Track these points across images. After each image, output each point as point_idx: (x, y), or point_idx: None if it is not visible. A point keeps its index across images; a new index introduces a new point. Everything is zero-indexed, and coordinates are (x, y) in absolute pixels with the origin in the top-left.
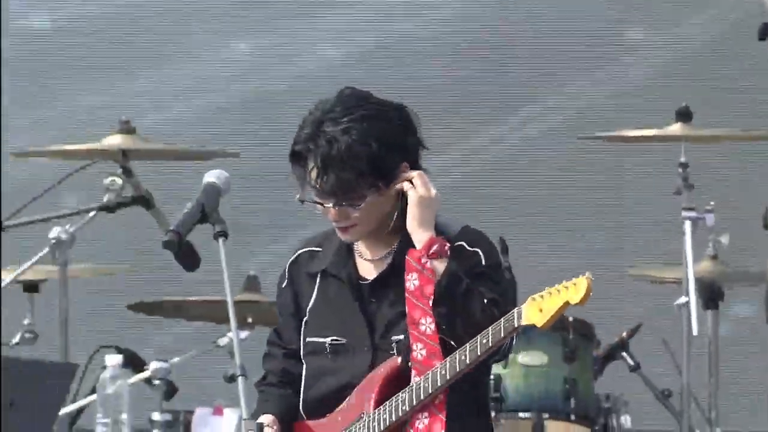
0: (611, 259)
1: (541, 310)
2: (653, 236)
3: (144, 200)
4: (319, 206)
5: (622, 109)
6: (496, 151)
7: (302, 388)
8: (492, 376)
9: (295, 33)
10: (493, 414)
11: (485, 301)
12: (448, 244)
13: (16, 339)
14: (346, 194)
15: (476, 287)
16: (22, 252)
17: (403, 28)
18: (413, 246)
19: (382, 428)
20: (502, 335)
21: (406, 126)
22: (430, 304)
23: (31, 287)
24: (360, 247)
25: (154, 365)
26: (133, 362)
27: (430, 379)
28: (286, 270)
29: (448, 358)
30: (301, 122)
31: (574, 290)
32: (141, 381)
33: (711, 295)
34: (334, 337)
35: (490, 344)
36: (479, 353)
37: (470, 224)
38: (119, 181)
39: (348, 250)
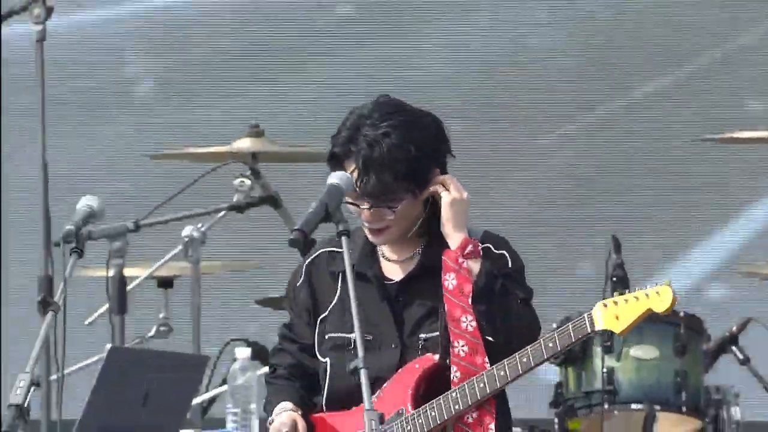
0: (721, 258)
1: (617, 317)
2: (762, 234)
3: (272, 200)
4: (353, 208)
5: (733, 111)
6: (607, 153)
7: (326, 381)
8: (605, 369)
9: (421, 39)
10: (606, 406)
11: (519, 300)
12: (480, 245)
13: (152, 332)
14: (384, 196)
15: (509, 287)
16: (156, 250)
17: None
18: (439, 248)
19: (431, 425)
20: (573, 339)
21: (438, 134)
22: (470, 302)
23: (166, 283)
24: (383, 249)
25: None
26: (261, 355)
27: (486, 379)
28: (303, 269)
29: (506, 360)
30: (338, 127)
31: (657, 299)
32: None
33: None
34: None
35: (558, 348)
36: (545, 356)
37: (578, 221)
38: (248, 182)
39: (372, 252)
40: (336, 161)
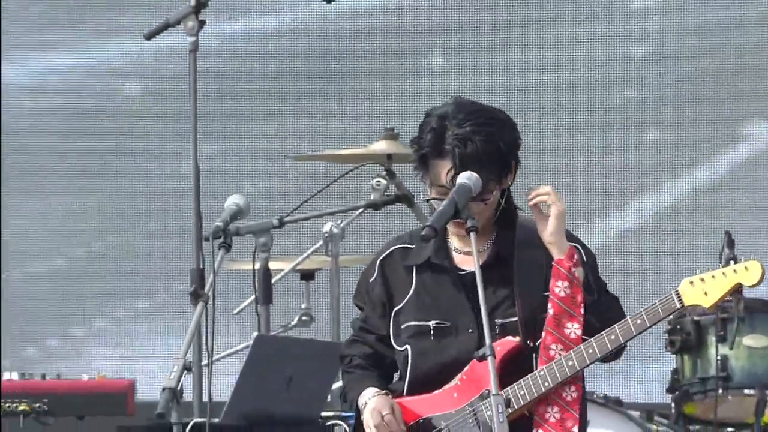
0: None
1: (706, 293)
2: None
3: (406, 199)
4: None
5: None
6: (733, 157)
7: (408, 367)
8: (719, 357)
9: (552, 43)
10: (720, 391)
11: (615, 300)
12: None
13: (294, 322)
14: (478, 190)
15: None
16: (299, 245)
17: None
18: (510, 240)
19: (521, 403)
20: (662, 315)
21: (515, 129)
22: (582, 312)
23: (308, 276)
24: (453, 241)
25: None
26: None
27: (574, 357)
28: (377, 265)
29: (593, 339)
30: (419, 130)
31: (746, 273)
32: None
33: None
34: (438, 321)
35: (647, 324)
36: (634, 333)
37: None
38: (384, 181)
39: (444, 244)
40: (424, 161)
